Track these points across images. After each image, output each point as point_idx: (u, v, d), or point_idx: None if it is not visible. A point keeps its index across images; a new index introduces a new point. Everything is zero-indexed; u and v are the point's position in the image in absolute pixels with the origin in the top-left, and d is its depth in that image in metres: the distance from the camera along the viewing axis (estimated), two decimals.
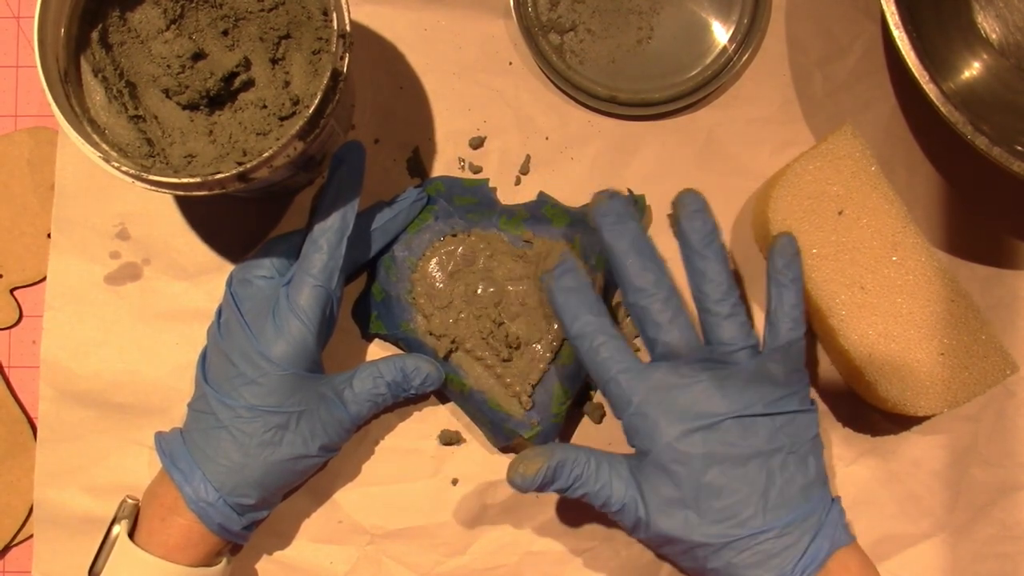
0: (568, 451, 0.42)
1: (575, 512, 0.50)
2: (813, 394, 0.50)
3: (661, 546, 0.42)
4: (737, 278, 0.50)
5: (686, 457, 0.39)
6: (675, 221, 0.43)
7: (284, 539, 0.50)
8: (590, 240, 0.47)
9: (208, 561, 0.44)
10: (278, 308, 0.42)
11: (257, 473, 0.43)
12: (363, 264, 0.48)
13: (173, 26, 0.42)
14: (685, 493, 0.40)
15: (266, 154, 0.38)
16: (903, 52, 0.44)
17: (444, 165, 0.51)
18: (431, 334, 0.47)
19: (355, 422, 0.46)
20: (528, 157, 0.51)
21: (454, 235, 0.47)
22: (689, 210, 0.42)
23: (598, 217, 0.42)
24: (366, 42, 0.51)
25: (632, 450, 0.42)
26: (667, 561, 0.49)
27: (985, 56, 0.50)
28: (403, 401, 0.48)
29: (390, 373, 0.45)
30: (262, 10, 0.42)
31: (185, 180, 0.38)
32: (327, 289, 0.43)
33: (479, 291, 0.46)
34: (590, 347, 0.41)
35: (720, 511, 0.39)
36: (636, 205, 0.49)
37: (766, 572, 0.39)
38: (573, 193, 0.50)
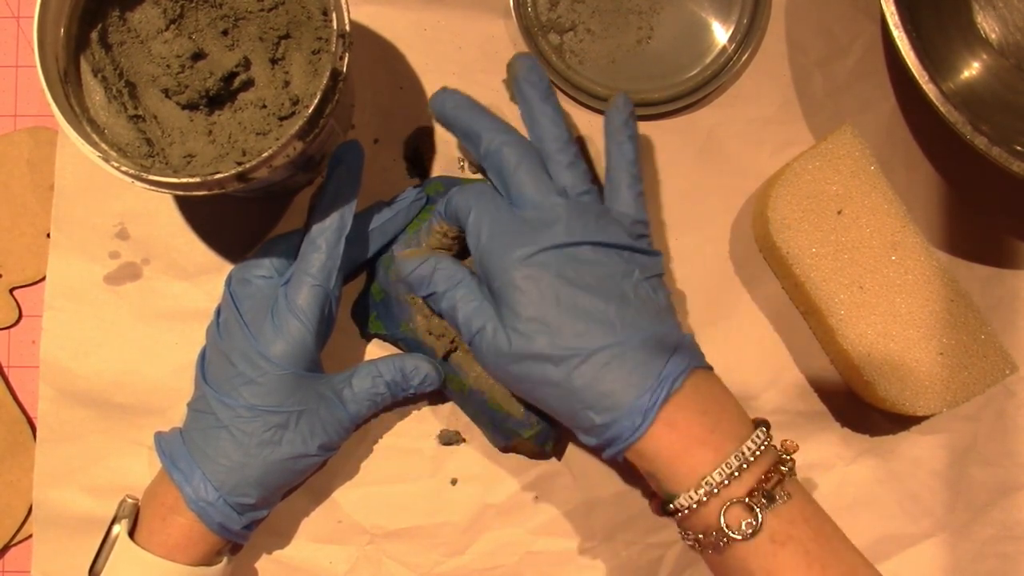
0: (451, 260, 0.44)
1: (575, 512, 0.50)
2: (812, 394, 0.50)
3: (520, 378, 0.40)
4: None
5: (539, 274, 0.39)
6: (512, 83, 0.45)
7: (284, 538, 0.50)
8: None
9: (208, 560, 0.44)
10: (277, 308, 0.42)
11: (257, 472, 0.43)
12: (362, 264, 0.48)
13: (173, 26, 0.42)
14: (539, 310, 0.39)
15: (265, 154, 0.38)
16: (903, 52, 0.44)
17: (444, 165, 0.51)
18: (430, 334, 0.47)
19: (354, 421, 0.46)
20: None
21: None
22: (525, 69, 0.44)
23: (522, 80, 0.44)
24: (366, 42, 0.51)
25: None
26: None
27: (985, 56, 0.50)
28: (402, 401, 0.48)
29: (389, 372, 0.45)
30: (262, 10, 0.42)
31: (185, 180, 0.38)
32: (325, 288, 0.43)
33: None
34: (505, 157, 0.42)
35: (576, 325, 0.39)
36: None
37: (630, 382, 0.38)
38: None
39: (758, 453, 0.38)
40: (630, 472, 0.50)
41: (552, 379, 0.39)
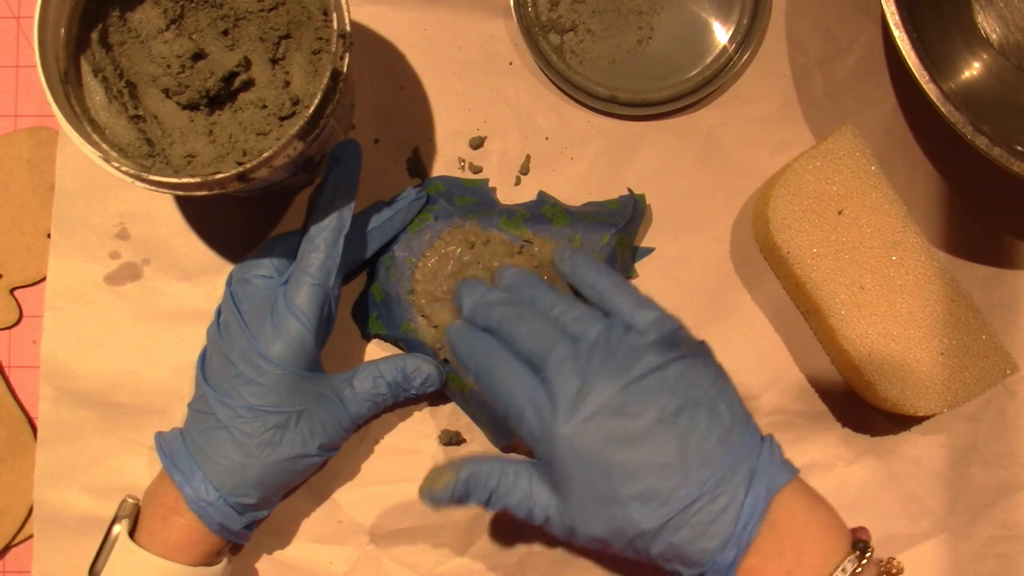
0: (481, 464, 0.40)
1: None
2: (812, 394, 0.50)
3: (601, 547, 0.39)
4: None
5: (587, 451, 0.37)
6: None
7: (284, 539, 0.50)
8: (590, 239, 0.47)
9: (209, 560, 0.44)
10: (276, 308, 0.42)
11: (257, 473, 0.43)
12: (361, 264, 0.48)
13: (173, 26, 0.42)
14: (600, 489, 0.37)
15: (266, 154, 0.38)
16: (903, 52, 0.44)
17: (444, 165, 0.51)
18: (432, 332, 0.47)
19: (355, 422, 0.46)
20: (528, 157, 0.51)
21: (452, 235, 0.47)
22: (509, 280, 0.44)
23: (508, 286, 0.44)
24: (366, 42, 0.51)
25: None
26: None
27: (985, 56, 0.50)
28: (403, 402, 0.48)
29: (391, 373, 0.45)
30: (262, 10, 0.42)
31: (185, 180, 0.38)
32: (325, 288, 0.43)
33: None
34: (492, 387, 0.41)
35: (641, 494, 0.36)
36: (636, 205, 0.49)
37: (708, 541, 0.36)
38: (573, 193, 0.50)
39: None
40: None
41: (630, 549, 0.38)
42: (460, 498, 0.39)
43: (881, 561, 0.38)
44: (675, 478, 0.36)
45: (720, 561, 0.36)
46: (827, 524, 0.37)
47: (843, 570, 0.35)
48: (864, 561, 0.36)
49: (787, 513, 0.37)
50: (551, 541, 0.50)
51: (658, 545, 0.37)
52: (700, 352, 0.40)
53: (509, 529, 0.50)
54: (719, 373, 0.39)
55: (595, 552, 0.49)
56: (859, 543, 0.37)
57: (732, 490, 0.36)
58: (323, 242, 0.43)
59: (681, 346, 0.39)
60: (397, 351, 0.50)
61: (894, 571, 0.37)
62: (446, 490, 0.39)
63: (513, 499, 0.39)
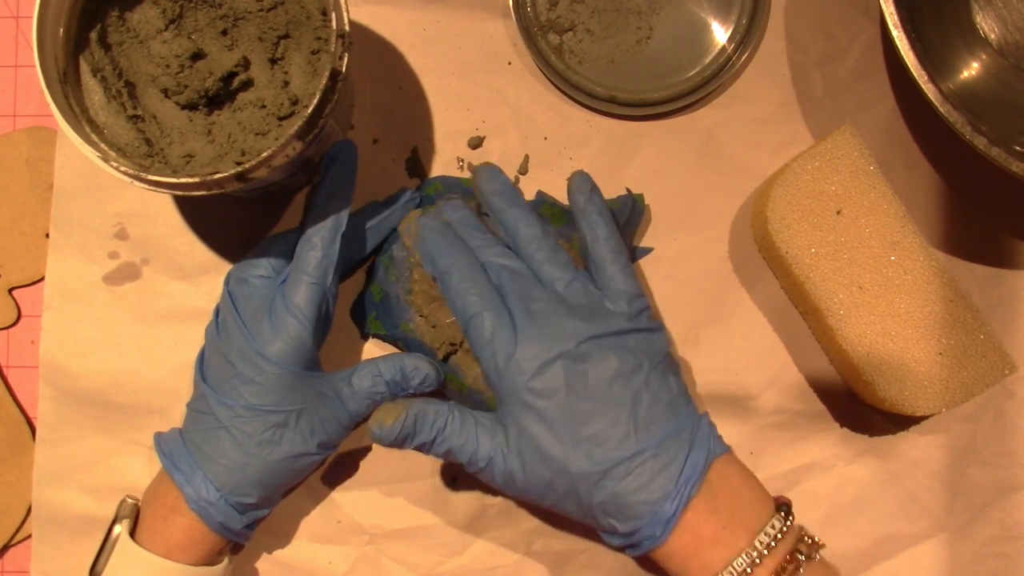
0: (429, 403, 0.41)
1: None
2: (811, 394, 0.50)
3: (539, 496, 0.40)
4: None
5: (549, 389, 0.39)
6: (478, 194, 0.45)
7: (283, 539, 0.50)
8: None
9: (210, 560, 0.44)
10: (274, 307, 0.42)
11: (257, 472, 0.43)
12: (358, 263, 0.48)
13: (172, 26, 0.42)
14: (555, 426, 0.39)
15: (265, 154, 0.38)
16: (902, 52, 0.44)
17: (443, 165, 0.51)
18: (431, 331, 0.47)
19: (353, 420, 0.46)
20: (527, 157, 0.51)
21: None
22: (485, 179, 0.45)
23: (486, 192, 0.45)
24: (366, 42, 0.51)
25: None
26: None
27: (984, 56, 0.50)
28: None
29: (389, 372, 0.45)
30: (261, 10, 0.42)
31: (184, 180, 0.38)
32: (322, 287, 0.43)
33: None
34: (455, 286, 0.42)
35: (593, 437, 0.39)
36: (636, 205, 0.49)
37: (651, 493, 0.38)
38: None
39: (772, 544, 0.38)
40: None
41: (571, 496, 0.39)
42: (407, 436, 0.41)
43: (802, 527, 0.40)
44: (625, 427, 0.39)
45: (660, 514, 0.38)
46: (757, 491, 0.40)
47: (771, 527, 0.38)
48: (789, 521, 0.39)
49: (722, 476, 0.39)
50: (551, 540, 0.50)
51: (600, 493, 0.39)
52: (658, 331, 0.42)
53: (509, 529, 0.50)
54: (670, 353, 0.43)
55: (595, 552, 0.49)
56: (783, 506, 0.40)
57: (675, 449, 0.39)
58: (320, 241, 0.43)
59: (648, 321, 0.42)
60: (396, 351, 0.50)
61: (816, 540, 0.39)
62: (395, 426, 0.40)
63: (457, 441, 0.41)
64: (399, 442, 0.41)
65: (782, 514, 0.39)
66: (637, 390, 0.39)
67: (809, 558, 0.38)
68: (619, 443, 0.38)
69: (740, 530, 0.38)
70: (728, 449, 0.41)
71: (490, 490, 0.50)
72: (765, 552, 0.38)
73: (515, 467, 0.40)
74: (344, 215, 0.44)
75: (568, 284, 0.42)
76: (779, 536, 0.38)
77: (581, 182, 0.45)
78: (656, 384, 0.40)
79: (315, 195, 0.44)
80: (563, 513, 0.41)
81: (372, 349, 0.51)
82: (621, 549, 0.41)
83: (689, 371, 0.50)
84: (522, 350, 0.40)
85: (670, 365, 0.42)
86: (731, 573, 0.37)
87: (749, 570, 0.37)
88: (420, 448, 0.41)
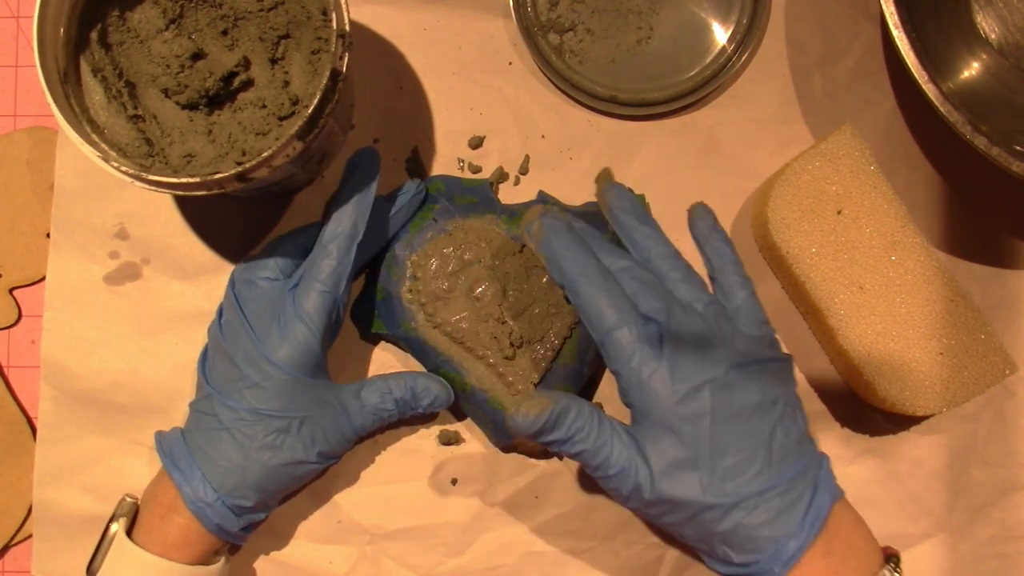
0: (573, 401, 0.40)
1: (575, 512, 0.50)
2: (812, 394, 0.50)
3: (663, 514, 0.39)
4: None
5: (694, 415, 0.38)
6: (606, 211, 0.43)
7: (284, 539, 0.50)
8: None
9: (206, 560, 0.44)
10: (284, 312, 0.42)
11: (256, 475, 0.43)
12: (367, 263, 0.48)
13: (172, 26, 0.42)
14: (694, 453, 0.38)
15: (265, 154, 0.38)
16: (902, 52, 0.44)
17: (443, 165, 0.51)
18: (432, 331, 0.47)
19: (357, 433, 0.45)
20: (528, 157, 0.51)
21: (454, 234, 0.47)
22: (617, 198, 0.42)
23: (616, 209, 0.43)
24: (366, 42, 0.51)
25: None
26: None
27: (984, 56, 0.50)
28: (408, 419, 0.48)
29: (399, 390, 0.45)
30: (261, 10, 0.42)
31: (184, 180, 0.38)
32: (334, 295, 0.43)
33: (480, 290, 0.46)
34: (589, 295, 0.39)
35: (728, 469, 0.38)
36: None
37: (776, 530, 0.37)
38: (573, 193, 0.50)
39: None
40: None
41: (694, 521, 0.39)
42: (546, 429, 0.39)
43: None
44: (760, 462, 0.38)
45: (782, 552, 0.37)
46: (868, 538, 0.40)
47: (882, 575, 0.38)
48: (898, 572, 0.39)
49: (839, 520, 0.39)
50: (551, 540, 0.50)
51: (726, 522, 0.38)
52: (790, 361, 0.42)
53: (509, 529, 0.50)
54: (795, 386, 0.42)
55: (595, 552, 0.49)
56: (892, 557, 0.39)
57: (803, 487, 0.38)
58: (336, 249, 0.43)
59: (780, 352, 0.41)
60: (398, 351, 0.50)
61: None
62: (540, 417, 0.39)
63: (592, 444, 0.39)
64: (536, 434, 0.40)
65: (891, 565, 0.38)
66: (774, 424, 0.39)
67: None
68: (753, 478, 0.38)
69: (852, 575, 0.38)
70: (843, 494, 0.40)
71: (491, 490, 0.50)
72: None
73: (645, 483, 0.38)
74: (362, 225, 0.43)
75: (706, 306, 0.40)
76: None
77: (705, 212, 0.43)
78: (788, 419, 0.39)
79: (335, 201, 0.44)
80: (678, 534, 0.40)
81: (373, 350, 0.50)
82: None
83: None
84: (672, 370, 0.38)
85: (798, 400, 0.41)
86: None
87: None
88: (553, 443, 0.40)
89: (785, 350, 0.50)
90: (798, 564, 0.37)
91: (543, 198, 0.50)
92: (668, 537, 0.50)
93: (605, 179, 0.44)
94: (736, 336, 0.40)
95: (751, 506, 0.38)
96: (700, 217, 0.43)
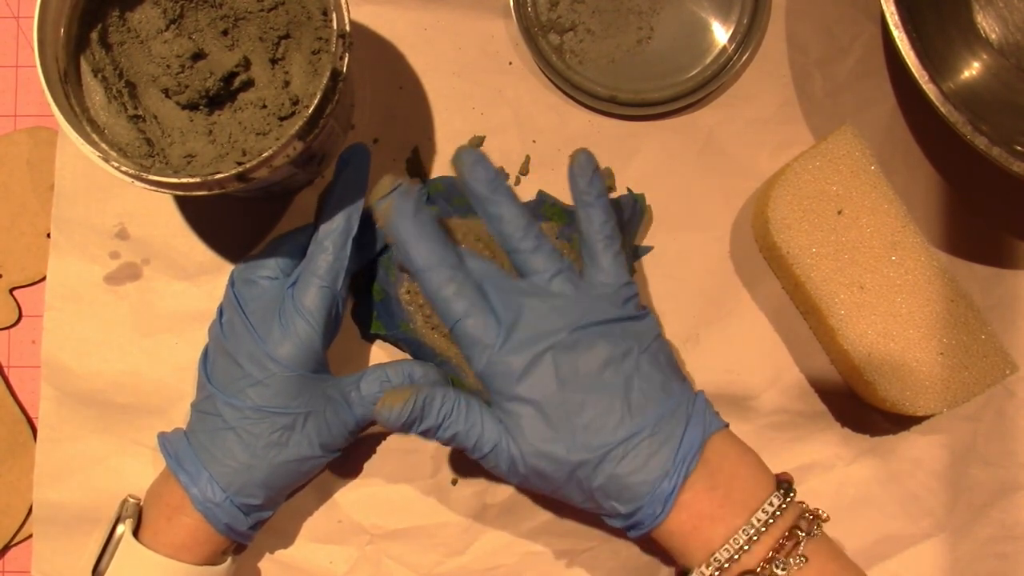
0: (437, 388, 0.41)
1: (575, 512, 0.50)
2: (812, 394, 0.50)
3: (543, 483, 0.41)
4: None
5: (540, 384, 0.39)
6: (459, 180, 0.43)
7: (284, 538, 0.50)
8: None
9: (213, 560, 0.44)
10: (284, 310, 0.43)
11: (263, 474, 0.43)
12: (367, 262, 0.48)
13: (173, 26, 0.42)
14: (549, 418, 0.39)
15: (265, 154, 0.38)
16: (903, 52, 0.44)
17: (444, 165, 0.51)
18: (431, 332, 0.47)
19: (359, 424, 0.46)
20: (528, 157, 0.51)
21: (452, 235, 0.47)
22: (469, 163, 0.43)
23: (468, 178, 0.43)
24: (366, 42, 0.51)
25: None
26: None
27: (985, 56, 0.50)
28: None
29: (398, 377, 0.45)
30: (262, 10, 0.42)
31: (184, 180, 0.38)
32: (333, 290, 0.43)
33: None
34: (435, 287, 0.41)
35: (589, 425, 0.39)
36: (636, 204, 0.49)
37: (649, 472, 0.38)
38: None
39: (771, 521, 0.38)
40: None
41: (572, 482, 0.40)
42: (415, 420, 0.40)
43: (803, 503, 0.40)
44: (619, 412, 0.39)
45: (658, 492, 0.38)
46: (755, 467, 0.40)
47: (769, 504, 0.38)
48: (789, 498, 0.39)
49: (720, 454, 0.40)
50: (551, 540, 0.50)
51: (600, 476, 0.39)
52: (646, 316, 0.42)
53: (509, 529, 0.50)
54: (660, 335, 0.43)
55: (595, 552, 0.49)
56: (783, 484, 0.40)
57: (671, 428, 0.39)
58: (332, 245, 0.43)
59: (635, 308, 0.42)
60: (397, 351, 0.50)
61: (818, 515, 0.39)
62: (404, 409, 0.40)
63: (462, 426, 0.41)
64: (407, 426, 0.41)
65: (782, 491, 0.39)
66: (628, 374, 0.40)
67: (809, 534, 0.38)
68: (614, 428, 0.39)
69: (738, 507, 0.39)
70: (725, 425, 0.41)
71: (490, 490, 0.50)
72: (763, 529, 0.38)
73: (517, 456, 0.40)
74: (356, 219, 0.44)
75: (553, 275, 0.42)
76: (778, 513, 0.38)
77: (585, 163, 0.43)
78: (647, 366, 0.40)
79: (327, 198, 0.44)
80: (567, 500, 0.41)
81: (375, 350, 0.51)
82: (625, 531, 0.41)
83: (689, 371, 0.50)
84: (509, 347, 0.40)
85: (661, 346, 0.42)
86: (728, 550, 0.38)
87: (747, 547, 0.38)
88: (426, 433, 0.41)
89: (784, 350, 0.50)
90: (679, 502, 0.39)
91: (543, 198, 0.50)
92: None
93: (459, 154, 0.43)
94: (586, 300, 0.41)
95: (619, 456, 0.39)
96: (580, 170, 0.43)
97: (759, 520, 0.38)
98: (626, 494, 0.39)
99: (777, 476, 0.41)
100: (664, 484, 0.38)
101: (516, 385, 0.40)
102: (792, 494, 0.39)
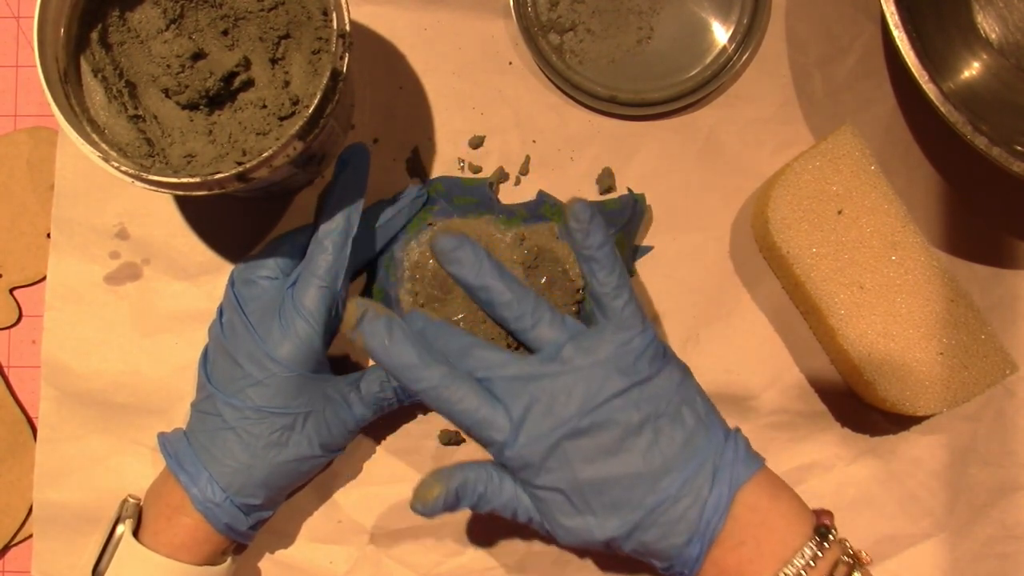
0: (468, 470, 0.40)
1: None
2: (812, 394, 0.50)
3: (582, 550, 0.41)
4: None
5: (560, 469, 0.38)
6: (443, 265, 0.42)
7: (284, 538, 0.50)
8: None
9: (214, 560, 0.44)
10: (283, 309, 0.43)
11: (263, 474, 0.43)
12: (367, 262, 0.48)
13: (173, 26, 0.42)
14: (574, 503, 0.39)
15: (266, 154, 0.38)
16: (903, 52, 0.44)
17: (444, 165, 0.51)
18: None
19: (359, 424, 0.46)
20: (528, 157, 0.51)
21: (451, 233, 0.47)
22: (447, 252, 0.41)
23: (449, 264, 0.41)
24: (366, 42, 0.51)
25: None
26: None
27: (985, 56, 0.50)
28: (408, 406, 0.48)
29: None
30: (262, 10, 0.42)
31: (184, 180, 0.38)
32: (332, 290, 0.43)
33: None
34: (436, 402, 0.39)
35: (612, 504, 0.38)
36: (636, 204, 0.49)
37: (677, 538, 0.38)
38: (573, 193, 0.50)
39: (802, 574, 0.37)
40: None
41: (608, 548, 0.40)
42: (450, 506, 0.40)
43: (845, 541, 0.39)
44: (642, 487, 0.38)
45: (687, 555, 0.38)
46: (789, 513, 0.39)
47: (802, 555, 0.37)
48: (826, 545, 0.37)
49: (748, 506, 0.38)
50: (551, 540, 0.50)
51: (629, 544, 0.39)
52: (665, 367, 0.40)
53: (509, 529, 0.50)
54: (683, 379, 0.40)
55: (595, 552, 0.49)
56: (820, 528, 0.38)
57: (696, 490, 0.38)
58: (331, 244, 0.43)
59: (650, 363, 0.39)
60: None
61: (859, 558, 0.38)
62: (438, 501, 0.40)
63: (499, 502, 0.40)
64: (446, 510, 0.40)
65: (817, 539, 0.38)
66: (649, 443, 0.38)
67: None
68: (639, 502, 0.38)
69: (768, 559, 0.37)
70: (759, 467, 0.39)
71: None
72: None
73: (549, 530, 0.40)
74: (356, 219, 0.44)
75: (561, 346, 0.39)
76: (810, 564, 0.37)
77: (580, 214, 0.40)
78: (668, 428, 0.38)
79: (327, 197, 0.44)
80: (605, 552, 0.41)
81: None
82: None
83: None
84: (522, 443, 0.38)
85: (684, 398, 0.39)
86: None
87: None
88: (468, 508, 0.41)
89: (784, 350, 0.50)
90: (709, 558, 0.38)
91: (543, 198, 0.50)
92: None
93: (437, 236, 0.41)
94: (598, 371, 0.39)
95: (645, 527, 0.38)
96: (576, 226, 0.40)
97: (791, 571, 0.37)
98: (657, 556, 0.39)
99: (817, 515, 0.39)
100: (690, 549, 0.38)
101: (536, 478, 0.39)
102: (830, 539, 0.38)
